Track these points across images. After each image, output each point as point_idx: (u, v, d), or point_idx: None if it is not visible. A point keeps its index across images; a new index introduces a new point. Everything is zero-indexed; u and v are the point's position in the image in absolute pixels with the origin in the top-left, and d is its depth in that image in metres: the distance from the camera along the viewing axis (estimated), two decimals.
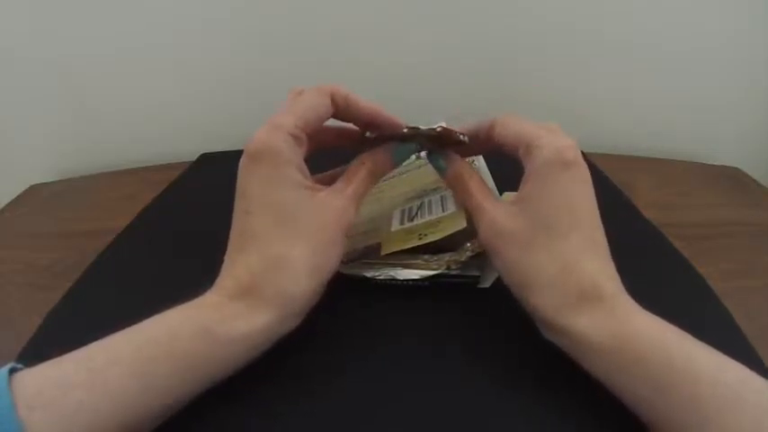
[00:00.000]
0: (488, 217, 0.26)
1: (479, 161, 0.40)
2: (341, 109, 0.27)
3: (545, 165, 0.24)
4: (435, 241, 0.31)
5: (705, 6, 0.51)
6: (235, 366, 0.24)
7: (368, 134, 0.29)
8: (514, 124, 0.26)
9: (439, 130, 0.27)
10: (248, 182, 0.26)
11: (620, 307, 0.23)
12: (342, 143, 0.31)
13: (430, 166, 0.31)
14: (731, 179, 0.51)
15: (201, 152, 0.56)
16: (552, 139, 0.25)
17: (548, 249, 0.24)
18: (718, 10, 0.51)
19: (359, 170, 0.28)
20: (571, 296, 0.23)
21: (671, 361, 0.21)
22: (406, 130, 0.28)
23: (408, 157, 0.29)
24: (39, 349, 0.21)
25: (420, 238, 0.31)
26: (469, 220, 0.32)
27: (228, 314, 0.23)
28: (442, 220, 0.32)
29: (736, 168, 0.53)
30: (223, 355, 0.23)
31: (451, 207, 0.32)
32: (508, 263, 0.25)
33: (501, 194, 0.37)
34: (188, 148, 0.56)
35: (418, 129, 0.28)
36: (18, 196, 0.52)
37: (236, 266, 0.25)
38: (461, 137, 0.28)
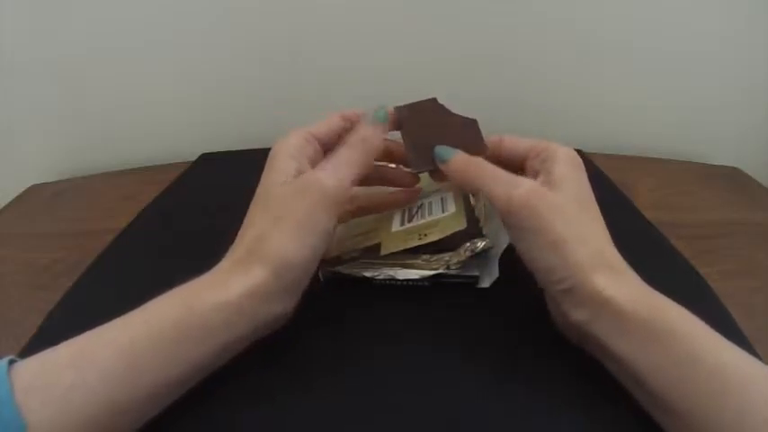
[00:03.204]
0: (528, 185, 0.26)
1: None
2: (354, 122, 0.30)
3: (568, 159, 0.27)
4: (435, 241, 0.31)
5: (705, 7, 0.51)
6: (218, 344, 0.24)
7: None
8: (523, 139, 0.30)
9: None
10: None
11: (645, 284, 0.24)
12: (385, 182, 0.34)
13: None
14: (731, 179, 0.51)
15: (201, 152, 0.56)
16: (562, 146, 0.28)
17: (584, 226, 0.25)
18: (718, 11, 0.51)
19: (338, 147, 0.29)
20: (608, 262, 0.24)
21: (696, 334, 0.22)
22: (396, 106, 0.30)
23: (384, 118, 0.29)
24: (39, 349, 0.22)
25: (420, 238, 0.31)
26: (469, 220, 0.32)
27: (207, 285, 0.24)
28: (442, 220, 0.32)
29: (736, 168, 0.53)
30: (200, 325, 0.23)
31: (451, 208, 0.32)
32: (545, 224, 0.25)
33: None
34: (188, 148, 0.56)
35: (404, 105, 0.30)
36: (18, 196, 0.52)
37: (231, 251, 0.26)
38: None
